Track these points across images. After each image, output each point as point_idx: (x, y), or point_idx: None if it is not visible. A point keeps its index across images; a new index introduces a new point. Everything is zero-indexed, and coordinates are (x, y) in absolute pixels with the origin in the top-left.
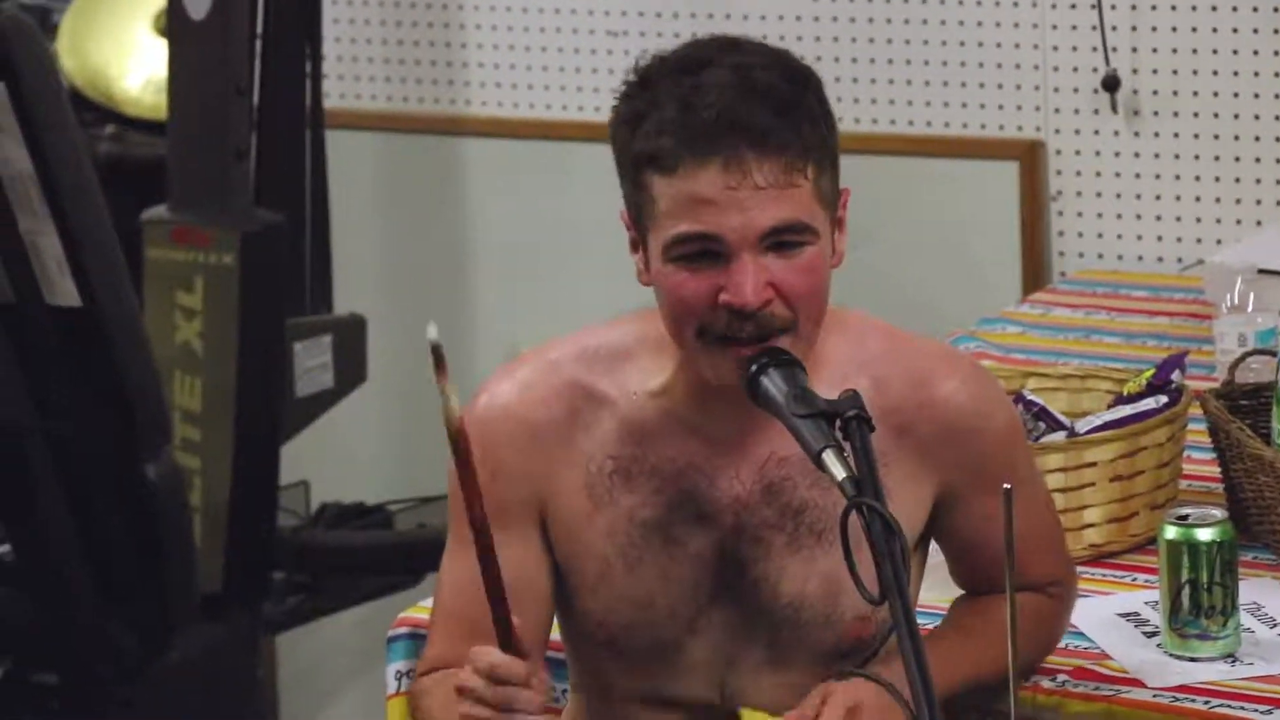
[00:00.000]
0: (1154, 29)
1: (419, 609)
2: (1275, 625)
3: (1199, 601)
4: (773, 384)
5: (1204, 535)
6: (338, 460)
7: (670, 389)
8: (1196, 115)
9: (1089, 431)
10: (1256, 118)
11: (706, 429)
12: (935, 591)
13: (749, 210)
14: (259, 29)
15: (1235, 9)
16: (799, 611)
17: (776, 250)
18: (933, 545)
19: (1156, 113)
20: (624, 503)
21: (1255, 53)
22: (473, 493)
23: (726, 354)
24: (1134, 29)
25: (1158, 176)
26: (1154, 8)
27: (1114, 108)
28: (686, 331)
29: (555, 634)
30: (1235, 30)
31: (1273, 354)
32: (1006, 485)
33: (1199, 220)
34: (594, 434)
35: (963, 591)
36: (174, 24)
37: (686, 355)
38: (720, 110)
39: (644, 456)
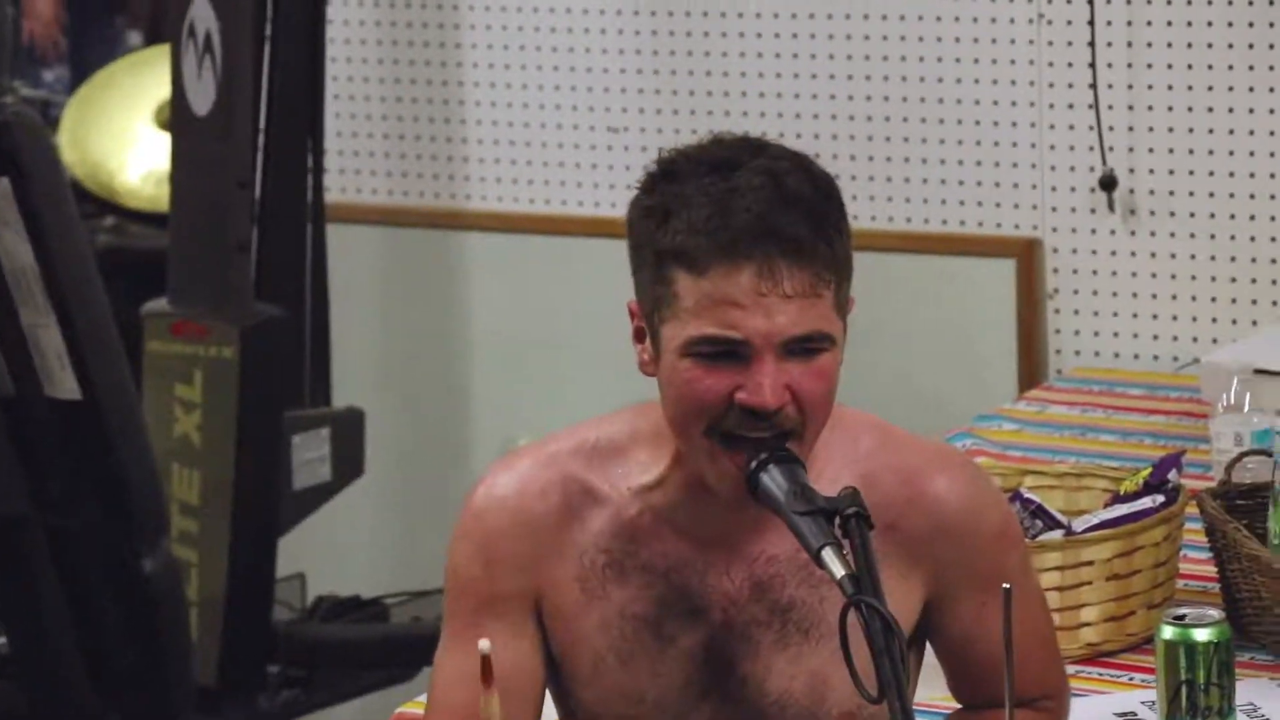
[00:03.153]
0: (1150, 129)
1: (415, 704)
2: None
3: (1196, 702)
4: (773, 480)
5: (1201, 635)
6: (334, 553)
7: (664, 484)
8: (1193, 215)
9: (1086, 530)
10: (1252, 218)
11: (698, 526)
12: (932, 690)
13: (775, 317)
14: (261, 123)
15: (1231, 110)
16: (785, 709)
17: (796, 356)
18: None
19: (1153, 212)
20: (616, 597)
21: (1251, 154)
22: None
23: (731, 456)
24: (1131, 129)
25: (1154, 275)
26: (1150, 108)
27: (1111, 207)
28: (694, 428)
29: None
30: (1231, 131)
31: (1269, 454)
32: (1006, 585)
33: (1195, 319)
34: (588, 528)
35: (959, 705)
36: (177, 118)
37: (689, 451)
38: (756, 216)
39: (636, 552)
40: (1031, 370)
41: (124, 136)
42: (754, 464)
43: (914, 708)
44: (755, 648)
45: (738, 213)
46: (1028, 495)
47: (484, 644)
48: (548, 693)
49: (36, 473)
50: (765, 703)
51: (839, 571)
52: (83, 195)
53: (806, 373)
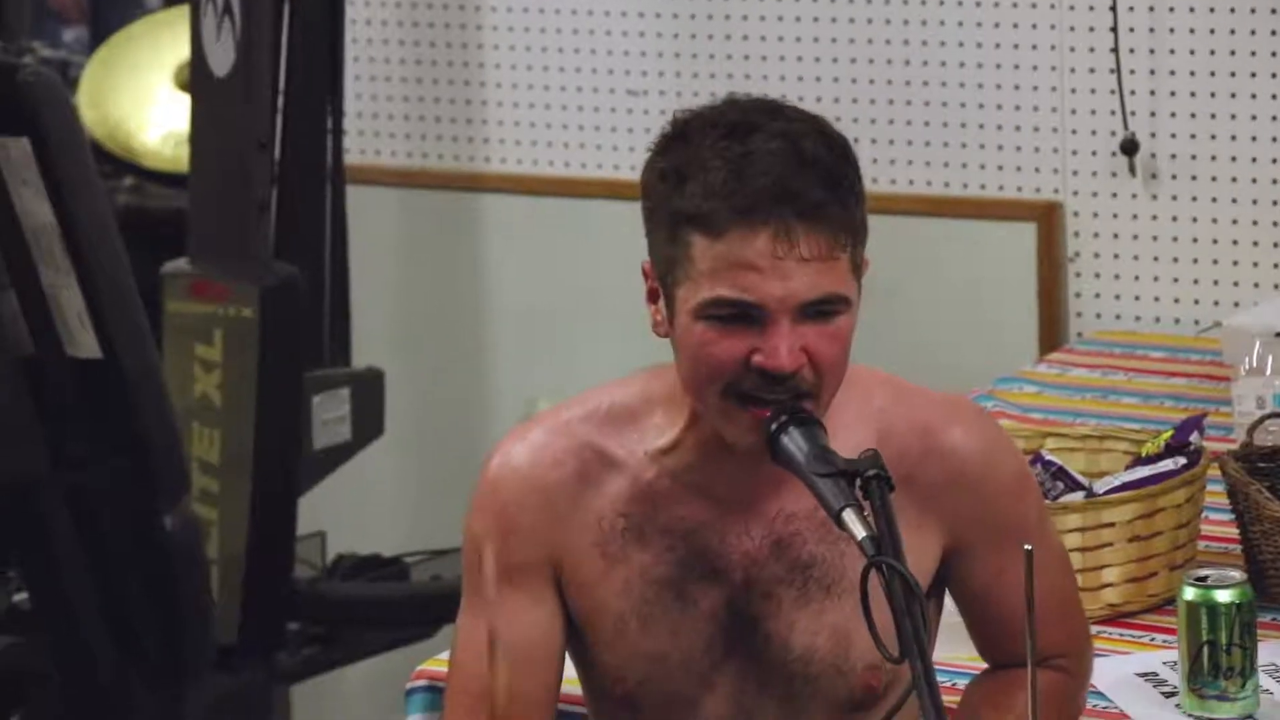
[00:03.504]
0: (1172, 93)
1: (436, 661)
2: None
3: (1218, 662)
4: (793, 442)
5: (1223, 596)
6: (354, 512)
7: (680, 447)
8: (1214, 178)
9: (1107, 492)
10: (1274, 181)
11: (716, 487)
12: (952, 648)
13: (791, 280)
14: (281, 84)
15: (1254, 75)
16: (810, 665)
17: (812, 318)
18: (950, 602)
19: (1174, 175)
20: (636, 560)
21: (1274, 118)
22: None
23: (744, 416)
24: (1152, 93)
25: (1175, 239)
26: (1173, 72)
27: (1132, 170)
28: (710, 389)
29: (578, 689)
30: (1254, 95)
31: None
32: (1027, 546)
33: (1216, 282)
34: (605, 493)
35: (981, 663)
36: (196, 79)
37: (705, 412)
38: (774, 179)
39: (654, 515)
40: (1052, 333)
41: (143, 97)
42: (774, 425)
43: (934, 665)
44: (778, 605)
45: (754, 176)
46: (1049, 457)
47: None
48: (568, 659)
49: (57, 432)
50: (789, 659)
51: (860, 533)
52: (102, 155)
53: (822, 335)
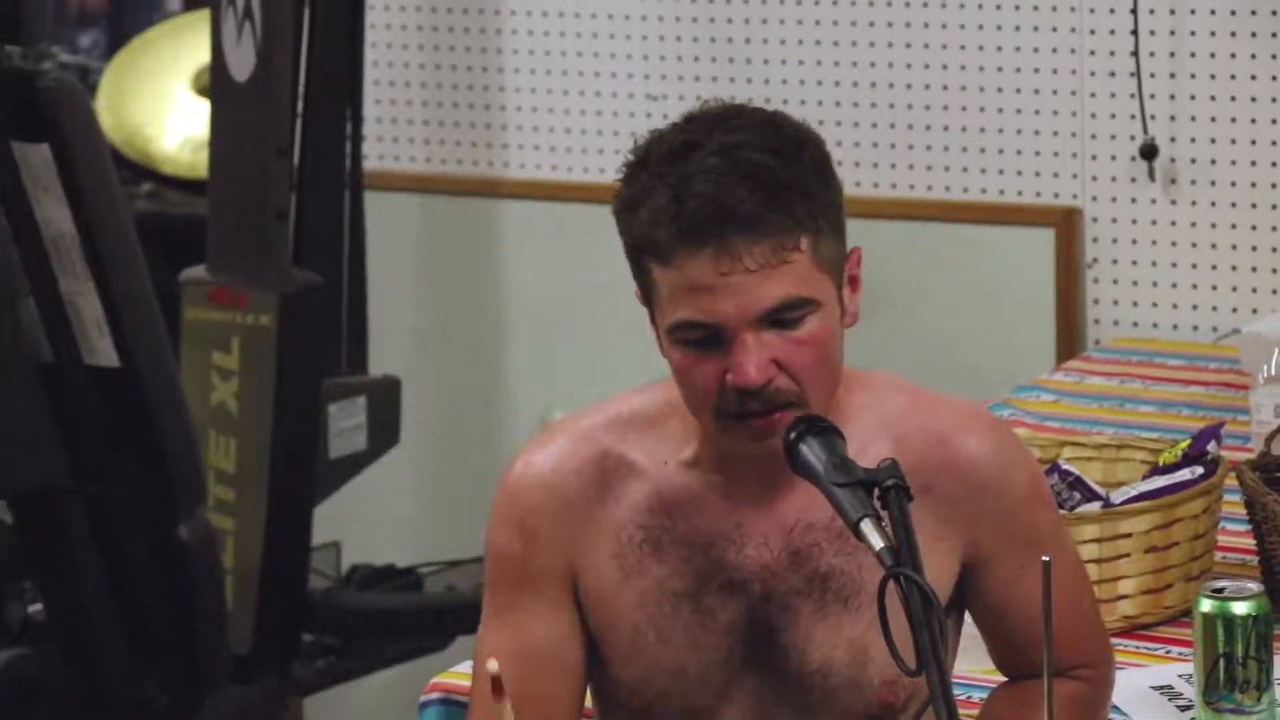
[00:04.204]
0: (1192, 98)
1: (451, 674)
2: None
3: (1234, 675)
4: (811, 452)
5: (1240, 609)
6: (370, 522)
7: (699, 457)
8: (1234, 184)
9: (1124, 502)
10: None
11: (734, 497)
12: (971, 662)
13: (743, 295)
14: (300, 90)
15: (1275, 78)
16: (827, 678)
17: (777, 326)
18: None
19: (1194, 181)
20: (654, 573)
21: None
22: None
23: (743, 430)
24: (1172, 97)
25: (1194, 245)
26: (1193, 76)
27: (1151, 176)
28: (703, 412)
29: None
30: (1274, 100)
31: None
32: (1045, 558)
33: (1235, 289)
34: (624, 503)
35: (1000, 676)
36: (216, 85)
37: (708, 430)
38: (706, 199)
39: (673, 526)
40: (1070, 340)
41: (162, 102)
42: (792, 435)
43: (953, 679)
44: (795, 618)
45: (690, 198)
46: (1066, 467)
47: (492, 665)
48: None
49: (75, 440)
50: (807, 672)
51: (878, 543)
52: (120, 161)
53: (791, 343)
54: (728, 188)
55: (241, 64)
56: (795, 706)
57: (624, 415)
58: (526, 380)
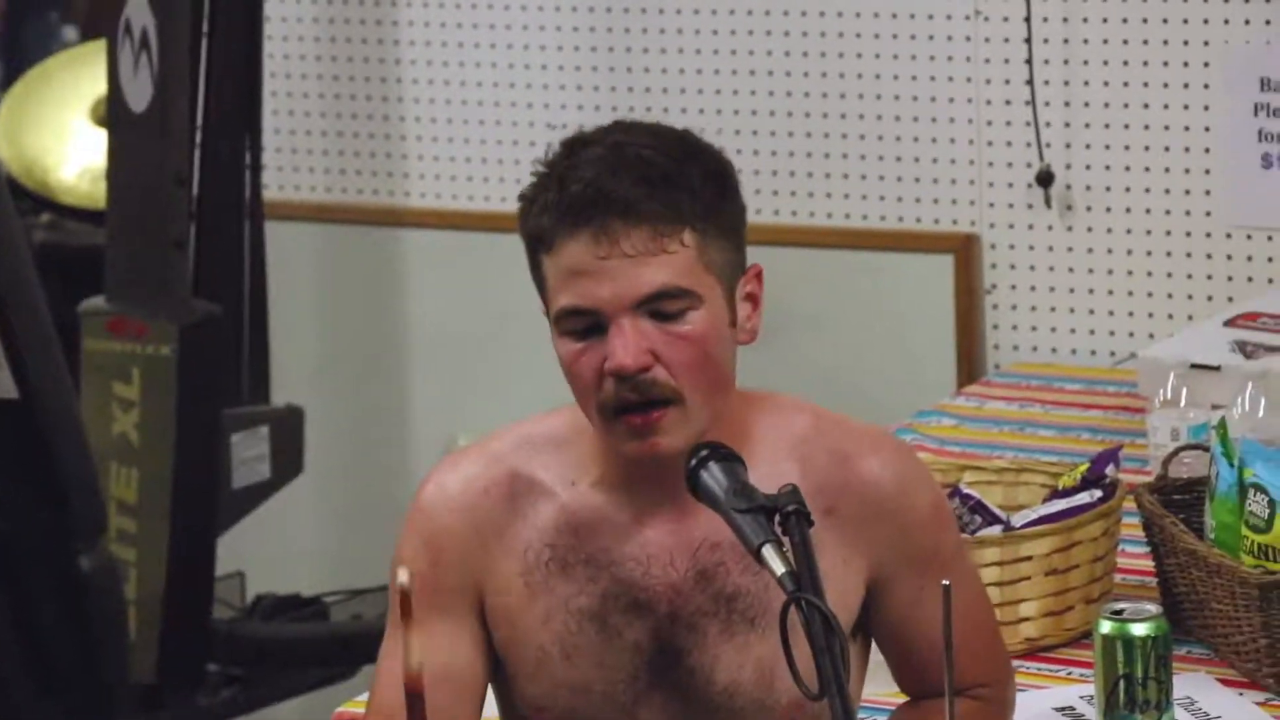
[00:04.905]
0: (1087, 125)
1: (356, 703)
2: None
3: (1134, 696)
4: (712, 478)
5: (1139, 630)
6: (274, 551)
7: (606, 478)
8: (1129, 210)
9: (1025, 525)
10: (1187, 213)
11: (640, 517)
12: (878, 685)
13: (619, 279)
14: (199, 120)
15: (1166, 106)
16: (734, 698)
17: (656, 318)
18: None
19: (1089, 207)
20: (560, 591)
21: (1186, 149)
22: None
23: (622, 427)
24: (1067, 125)
25: (1091, 271)
26: (1087, 104)
27: (1048, 202)
28: (589, 408)
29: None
30: (1166, 127)
31: (1205, 449)
32: (946, 582)
33: (1132, 314)
34: (532, 523)
35: (904, 697)
36: (114, 114)
37: (598, 433)
38: (587, 184)
39: (579, 546)
40: (970, 365)
41: (60, 132)
42: (693, 461)
43: (861, 703)
44: (702, 638)
45: (572, 184)
46: (967, 491)
47: (403, 574)
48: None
49: None
50: (713, 692)
51: (779, 569)
52: (18, 191)
53: (671, 336)
54: (609, 174)
55: (139, 94)
56: None
57: (533, 437)
58: (431, 408)
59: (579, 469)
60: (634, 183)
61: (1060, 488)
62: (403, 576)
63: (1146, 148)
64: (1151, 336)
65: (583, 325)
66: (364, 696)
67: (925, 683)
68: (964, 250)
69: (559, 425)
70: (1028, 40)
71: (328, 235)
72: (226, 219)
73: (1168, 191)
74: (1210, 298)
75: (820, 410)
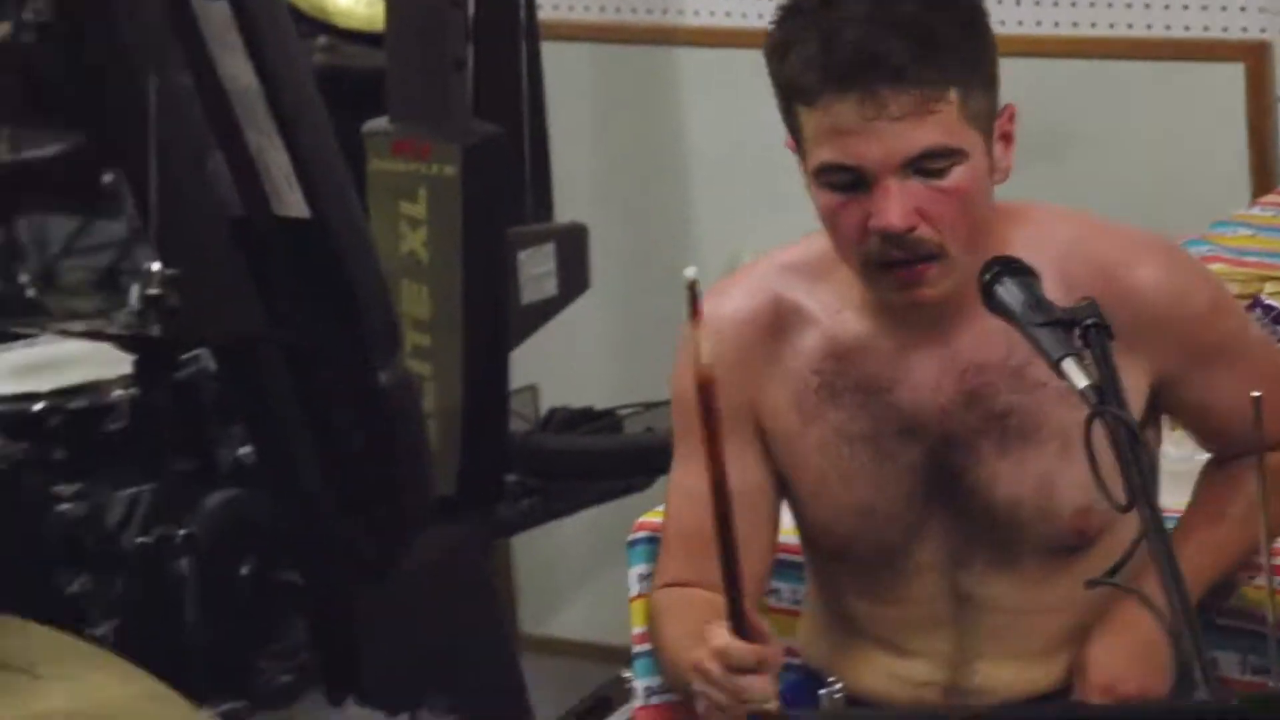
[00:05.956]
0: None
1: (656, 513)
2: None
3: None
4: (1008, 292)
5: None
6: (564, 366)
7: (867, 304)
8: None
9: None
10: None
11: (904, 342)
12: (1176, 496)
13: (887, 140)
14: None
15: None
16: (1017, 512)
17: (922, 175)
18: (1174, 454)
19: None
20: (831, 418)
21: None
22: (716, 447)
23: (889, 280)
24: None
25: None
26: None
27: None
28: (849, 257)
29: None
30: None
31: None
32: (1255, 394)
33: None
34: (799, 350)
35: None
36: None
37: (858, 278)
38: (856, 47)
39: (847, 372)
40: (1264, 175)
41: None
42: (987, 276)
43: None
44: (978, 456)
45: (840, 45)
46: (1268, 301)
47: (690, 271)
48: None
49: (269, 291)
50: (995, 508)
51: (1081, 382)
52: (296, 15)
53: (935, 192)
54: (877, 36)
55: None
56: (987, 542)
57: (797, 263)
58: (712, 224)
59: (842, 297)
60: (902, 46)
61: None
62: (689, 272)
63: None
64: None
65: (846, 180)
66: (662, 506)
67: (1228, 441)
68: (1255, 58)
69: (825, 249)
70: None
71: (602, 55)
72: (503, 39)
73: None
74: None
75: (1085, 217)
